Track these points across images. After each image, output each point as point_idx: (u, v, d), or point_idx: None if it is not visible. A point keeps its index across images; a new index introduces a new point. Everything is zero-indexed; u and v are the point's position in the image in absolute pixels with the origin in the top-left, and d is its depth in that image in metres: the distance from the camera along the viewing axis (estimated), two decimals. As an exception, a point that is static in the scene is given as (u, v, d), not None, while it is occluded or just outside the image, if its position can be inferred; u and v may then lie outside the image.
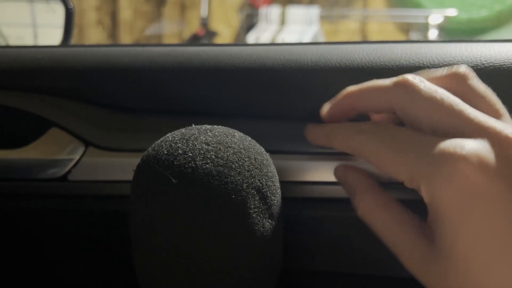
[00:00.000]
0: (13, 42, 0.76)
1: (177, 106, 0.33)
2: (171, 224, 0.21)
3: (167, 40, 2.79)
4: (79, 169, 0.32)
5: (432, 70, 0.25)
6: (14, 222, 0.34)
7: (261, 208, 0.23)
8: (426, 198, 0.22)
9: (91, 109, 0.34)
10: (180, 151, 0.22)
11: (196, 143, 0.23)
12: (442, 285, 0.21)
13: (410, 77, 0.24)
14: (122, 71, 0.33)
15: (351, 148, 0.25)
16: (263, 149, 0.25)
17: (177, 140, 0.23)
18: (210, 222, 0.21)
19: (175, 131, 0.25)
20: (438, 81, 0.24)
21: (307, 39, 2.28)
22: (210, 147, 0.23)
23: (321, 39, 2.40)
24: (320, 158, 0.31)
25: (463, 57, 0.30)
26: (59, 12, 0.70)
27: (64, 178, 0.33)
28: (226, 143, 0.23)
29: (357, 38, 2.60)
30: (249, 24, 2.53)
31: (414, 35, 2.52)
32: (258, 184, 0.23)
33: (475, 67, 0.29)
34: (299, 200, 0.31)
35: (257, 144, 0.25)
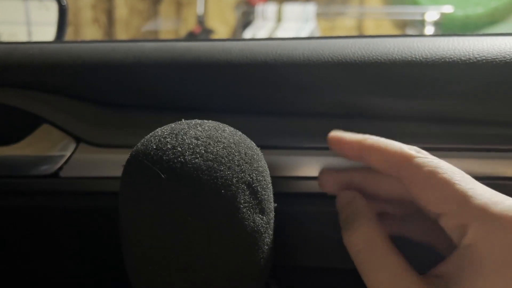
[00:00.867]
0: (5, 39, 0.76)
1: (169, 101, 0.32)
2: (160, 219, 0.21)
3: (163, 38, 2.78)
4: (70, 166, 0.32)
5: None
6: (5, 219, 0.34)
7: (252, 203, 0.23)
8: (467, 240, 0.22)
9: (82, 106, 0.33)
10: (169, 146, 0.22)
11: (185, 137, 0.22)
12: None
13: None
14: (114, 67, 0.33)
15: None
16: (254, 144, 0.25)
17: (166, 135, 0.23)
18: (199, 217, 0.21)
19: (164, 126, 0.24)
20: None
21: (303, 36, 2.27)
22: (199, 142, 0.22)
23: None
24: (311, 153, 0.30)
25: (455, 51, 0.30)
26: (53, 9, 0.69)
27: (55, 174, 0.32)
28: (216, 137, 0.23)
29: (354, 35, 2.59)
30: (245, 21, 2.53)
31: (410, 32, 2.51)
32: (249, 178, 0.23)
33: (467, 61, 0.29)
34: (290, 195, 0.31)
35: (248, 139, 0.25)
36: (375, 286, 0.23)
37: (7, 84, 0.34)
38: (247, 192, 0.23)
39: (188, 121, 0.24)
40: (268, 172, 0.25)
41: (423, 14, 2.30)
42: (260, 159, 0.25)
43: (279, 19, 2.46)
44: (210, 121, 0.25)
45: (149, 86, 0.32)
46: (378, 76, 0.30)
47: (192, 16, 2.72)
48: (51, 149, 0.32)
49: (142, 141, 0.24)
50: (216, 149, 0.22)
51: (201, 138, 0.23)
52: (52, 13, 0.69)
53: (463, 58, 0.29)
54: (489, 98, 0.29)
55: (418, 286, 0.23)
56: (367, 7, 2.61)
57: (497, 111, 0.29)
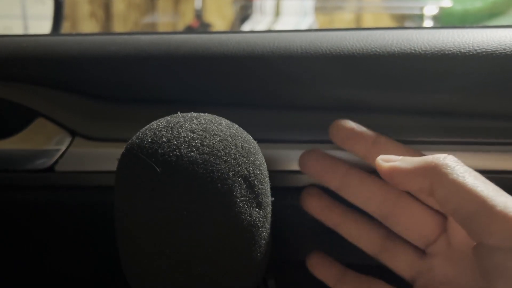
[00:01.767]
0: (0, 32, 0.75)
1: (165, 95, 0.32)
2: (155, 213, 0.21)
3: (161, 33, 2.75)
4: (66, 160, 0.32)
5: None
6: (0, 213, 0.33)
7: (248, 197, 0.22)
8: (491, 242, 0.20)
9: (77, 99, 0.33)
10: (164, 139, 0.22)
11: (181, 130, 0.22)
12: None
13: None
14: (109, 60, 0.33)
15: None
16: (251, 137, 0.25)
17: (161, 128, 0.23)
18: (195, 211, 0.21)
19: (160, 119, 0.24)
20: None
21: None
22: (195, 135, 0.22)
23: (316, 31, 2.38)
24: (308, 147, 0.30)
25: (455, 43, 0.29)
26: (49, 3, 0.69)
27: (51, 169, 0.32)
28: (212, 130, 0.23)
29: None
30: (243, 15, 2.52)
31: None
32: (245, 172, 0.22)
33: (467, 53, 0.29)
34: (288, 190, 0.31)
35: (245, 132, 0.25)
36: None
37: (0, 77, 0.34)
38: (244, 186, 0.22)
39: (184, 114, 0.24)
40: (265, 166, 0.25)
41: (421, 8, 2.30)
42: (257, 152, 0.24)
43: (277, 13, 2.45)
44: (206, 114, 0.24)
45: (145, 79, 0.32)
46: (377, 69, 0.29)
47: (190, 11, 2.71)
48: (46, 143, 0.32)
49: (137, 134, 0.23)
50: (212, 142, 0.22)
51: (197, 131, 0.22)
52: (48, 7, 0.68)
53: (462, 50, 0.29)
54: (489, 91, 0.29)
55: None
56: (366, 1, 2.60)
57: (497, 104, 0.29)
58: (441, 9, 2.30)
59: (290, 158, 0.30)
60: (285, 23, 2.37)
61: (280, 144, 0.30)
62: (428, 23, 2.28)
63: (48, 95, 0.33)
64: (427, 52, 0.29)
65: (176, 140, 0.22)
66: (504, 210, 0.20)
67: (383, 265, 0.29)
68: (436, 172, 0.22)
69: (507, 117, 0.29)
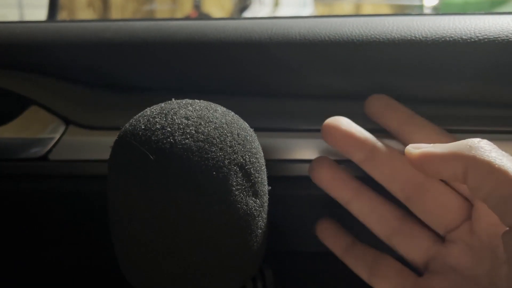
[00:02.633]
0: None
1: (161, 82, 0.31)
2: (148, 202, 0.20)
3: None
4: (60, 148, 0.31)
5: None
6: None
7: (244, 185, 0.22)
8: None
9: (71, 87, 0.32)
10: (158, 126, 0.21)
11: (175, 117, 0.22)
12: None
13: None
14: (104, 47, 0.32)
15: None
16: (247, 125, 0.24)
17: (155, 114, 0.22)
18: (189, 200, 0.20)
19: (154, 106, 0.23)
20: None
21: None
22: (190, 122, 0.21)
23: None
24: (307, 136, 0.30)
25: (456, 30, 0.29)
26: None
27: (45, 157, 0.32)
28: (207, 117, 0.22)
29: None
30: (242, 6, 2.50)
31: (408, 17, 2.49)
32: (241, 160, 0.22)
33: (468, 40, 0.28)
34: (285, 179, 0.30)
35: (241, 120, 0.24)
36: None
37: None
38: (240, 174, 0.22)
39: (179, 101, 0.23)
40: (262, 154, 0.24)
41: (422, -2, 2.28)
42: (253, 140, 0.24)
43: (276, 4, 2.43)
44: (201, 101, 0.24)
45: (140, 66, 0.31)
46: (377, 56, 0.29)
47: (188, 1, 2.69)
48: (40, 132, 0.32)
49: (130, 121, 0.23)
50: (208, 129, 0.21)
51: (192, 118, 0.22)
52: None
53: (464, 37, 0.28)
54: (491, 78, 0.28)
55: None
56: (366, -8, 2.59)
57: (499, 91, 0.28)
58: (441, 0, 2.29)
59: (288, 147, 0.30)
60: (284, 13, 2.35)
61: (278, 132, 0.30)
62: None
63: (41, 83, 0.32)
64: (427, 39, 0.29)
65: (170, 127, 0.21)
66: None
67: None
68: (470, 155, 0.22)
69: (508, 104, 0.29)
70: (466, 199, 0.27)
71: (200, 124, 0.21)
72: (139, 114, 0.23)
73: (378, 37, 0.29)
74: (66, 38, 0.33)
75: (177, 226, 0.21)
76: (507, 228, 0.21)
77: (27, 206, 0.33)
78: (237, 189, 0.22)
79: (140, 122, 0.22)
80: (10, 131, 0.32)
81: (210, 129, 0.21)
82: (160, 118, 0.22)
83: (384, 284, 0.27)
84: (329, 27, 0.30)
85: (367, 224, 0.28)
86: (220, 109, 0.23)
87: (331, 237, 0.29)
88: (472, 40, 0.28)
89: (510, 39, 0.28)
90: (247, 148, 0.23)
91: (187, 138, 0.21)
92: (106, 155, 0.29)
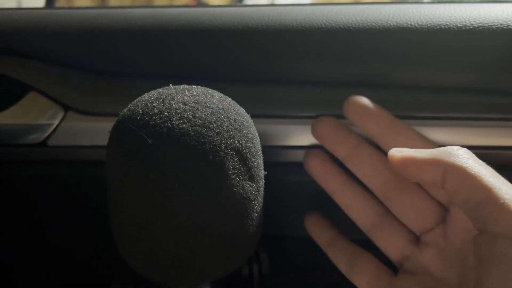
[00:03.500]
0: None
1: (158, 69, 0.32)
2: (146, 185, 0.21)
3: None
4: (58, 134, 0.32)
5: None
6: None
7: (241, 169, 0.22)
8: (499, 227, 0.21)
9: (70, 73, 0.33)
10: (156, 111, 0.22)
11: (172, 102, 0.22)
12: None
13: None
14: (102, 34, 0.32)
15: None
16: (244, 110, 0.25)
17: (153, 99, 0.22)
18: (186, 183, 0.21)
19: (151, 91, 0.24)
20: None
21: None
22: (187, 107, 0.22)
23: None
24: (303, 122, 0.30)
25: (452, 18, 0.29)
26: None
27: (43, 143, 0.32)
28: (205, 102, 0.22)
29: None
30: (241, -5, 2.48)
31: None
32: (238, 145, 0.22)
33: (463, 27, 0.28)
34: (281, 165, 0.30)
35: (237, 105, 0.24)
36: None
37: None
38: (236, 159, 0.22)
39: (176, 86, 0.24)
40: (258, 140, 0.25)
41: (421, -12, 2.27)
42: (250, 125, 0.24)
43: (275, -8, 2.42)
44: (198, 86, 0.24)
45: (138, 53, 0.32)
46: (373, 43, 0.29)
47: (187, -10, 2.66)
48: (39, 118, 0.32)
49: (128, 106, 0.23)
50: (205, 114, 0.22)
51: (189, 103, 0.22)
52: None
53: (459, 25, 0.29)
54: (486, 66, 0.29)
55: None
56: (365, -19, 2.57)
57: (493, 79, 0.29)
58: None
59: (284, 134, 0.30)
60: (283, 3, 2.34)
61: (274, 119, 0.30)
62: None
63: (40, 69, 0.33)
64: (423, 27, 0.29)
65: (167, 112, 0.21)
66: (511, 201, 0.20)
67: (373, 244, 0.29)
68: (449, 162, 0.23)
69: (503, 91, 0.29)
70: (441, 204, 0.28)
71: (197, 109, 0.22)
72: (137, 99, 0.23)
73: (374, 25, 0.29)
74: (64, 24, 0.33)
75: (174, 209, 0.21)
76: (478, 232, 0.22)
77: (26, 192, 0.34)
78: (234, 173, 0.22)
79: (138, 107, 0.22)
80: (9, 117, 0.32)
81: (207, 114, 0.22)
82: (158, 103, 0.22)
83: (361, 280, 0.28)
84: (326, 15, 0.30)
85: (349, 215, 0.29)
86: (217, 94, 0.24)
87: (317, 231, 0.31)
88: (467, 28, 0.28)
89: (504, 27, 0.28)
90: (244, 133, 0.23)
91: (185, 123, 0.21)
92: (104, 141, 0.29)
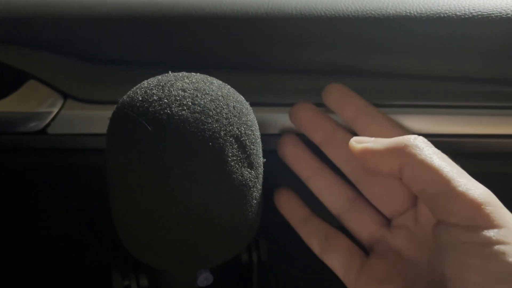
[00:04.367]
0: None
1: (158, 56, 0.32)
2: (146, 172, 0.21)
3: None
4: (58, 122, 0.32)
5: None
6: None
7: (240, 156, 0.22)
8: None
9: (69, 61, 0.32)
10: (155, 98, 0.22)
11: (172, 89, 0.22)
12: None
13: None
14: (101, 21, 0.32)
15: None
16: (243, 98, 0.25)
17: (152, 86, 0.22)
18: (186, 170, 0.21)
19: (151, 78, 0.24)
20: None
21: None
22: (186, 94, 0.22)
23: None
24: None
25: (451, 6, 0.29)
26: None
27: (43, 131, 0.32)
28: (204, 90, 0.22)
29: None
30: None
31: None
32: (237, 132, 0.22)
33: (462, 16, 0.28)
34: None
35: (237, 93, 0.24)
36: None
37: None
38: (235, 146, 0.22)
39: (175, 74, 0.24)
40: (257, 127, 0.25)
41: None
42: (249, 113, 0.24)
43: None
44: (198, 74, 0.24)
45: (137, 40, 0.31)
46: (372, 31, 0.29)
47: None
48: (38, 106, 0.32)
49: (128, 93, 0.23)
50: (204, 101, 0.22)
51: (188, 90, 0.22)
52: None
53: (458, 13, 0.28)
54: (485, 54, 0.29)
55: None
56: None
57: (493, 67, 0.29)
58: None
59: (283, 122, 0.30)
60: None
61: (273, 107, 0.30)
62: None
63: (39, 57, 0.32)
64: (422, 15, 0.29)
65: (167, 99, 0.21)
66: (466, 192, 0.21)
67: None
68: (405, 153, 0.23)
69: (503, 80, 0.29)
70: None
71: (197, 96, 0.22)
72: (137, 86, 0.23)
73: (373, 13, 0.29)
74: (64, 12, 0.33)
75: (173, 196, 0.21)
76: (436, 221, 0.23)
77: (26, 180, 0.34)
78: (233, 160, 0.22)
79: (137, 94, 0.22)
80: (8, 105, 0.32)
81: (207, 101, 0.22)
82: (157, 90, 0.22)
83: (333, 260, 0.28)
84: (325, 2, 0.30)
85: (322, 200, 0.30)
86: (216, 82, 0.24)
87: (288, 208, 0.31)
88: (466, 16, 0.28)
89: (504, 16, 0.28)
90: (243, 121, 0.23)
91: (184, 110, 0.21)
92: (104, 128, 0.29)
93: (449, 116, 0.30)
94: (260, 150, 0.25)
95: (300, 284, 0.38)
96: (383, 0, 0.30)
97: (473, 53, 0.29)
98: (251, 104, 0.25)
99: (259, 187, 0.25)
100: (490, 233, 0.20)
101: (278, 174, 0.30)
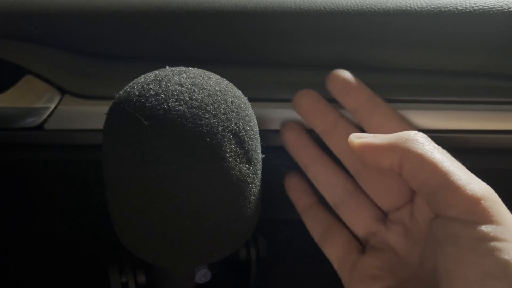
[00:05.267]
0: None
1: (156, 51, 0.31)
2: (142, 167, 0.21)
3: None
4: (55, 118, 0.31)
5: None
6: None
7: (238, 152, 0.22)
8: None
9: (67, 56, 0.32)
10: (152, 93, 0.21)
11: (169, 84, 0.22)
12: None
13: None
14: (98, 16, 0.32)
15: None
16: (241, 93, 0.24)
17: (149, 81, 0.22)
18: (183, 166, 0.21)
19: (148, 73, 0.23)
20: None
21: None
22: (184, 89, 0.22)
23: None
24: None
25: (451, 0, 0.29)
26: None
27: (40, 127, 0.32)
28: (201, 85, 0.22)
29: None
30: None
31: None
32: (235, 127, 0.22)
33: (464, 10, 0.28)
34: (279, 148, 0.30)
35: (235, 88, 0.24)
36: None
37: None
38: (233, 141, 0.22)
39: (173, 68, 0.23)
40: (256, 122, 0.25)
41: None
42: (247, 108, 0.24)
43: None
44: (195, 68, 0.24)
45: (135, 35, 0.31)
46: (372, 26, 0.29)
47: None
48: (35, 101, 0.31)
49: (125, 88, 0.23)
50: (201, 96, 0.22)
51: (186, 85, 0.22)
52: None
53: (459, 8, 0.28)
54: (486, 49, 0.28)
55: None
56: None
57: (494, 62, 0.29)
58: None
59: (282, 117, 0.30)
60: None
61: (272, 102, 0.30)
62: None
63: (36, 52, 0.32)
64: (423, 9, 0.28)
65: (164, 94, 0.21)
66: (465, 186, 0.21)
67: None
68: (405, 147, 0.23)
69: (504, 75, 0.29)
70: None
71: (194, 91, 0.22)
72: (133, 81, 0.23)
73: (373, 7, 0.29)
74: (61, 7, 0.32)
75: (171, 192, 0.21)
76: (434, 216, 0.23)
77: (23, 176, 0.34)
78: (231, 156, 0.22)
79: (134, 89, 0.22)
80: (5, 101, 0.32)
81: (204, 96, 0.22)
82: (154, 85, 0.22)
83: (330, 252, 0.28)
84: None
85: (319, 190, 0.30)
86: (214, 76, 0.24)
87: (296, 192, 0.31)
88: (467, 10, 0.28)
89: (505, 10, 0.28)
90: (241, 116, 0.23)
91: (181, 105, 0.21)
92: (101, 124, 0.29)
93: (449, 111, 0.30)
94: (259, 146, 0.25)
95: (298, 282, 0.38)
96: (383, -6, 0.30)
97: (474, 48, 0.29)
98: (250, 99, 0.25)
99: (258, 183, 0.24)
100: (488, 228, 0.20)
101: (277, 170, 0.30)
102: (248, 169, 0.23)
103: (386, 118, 0.28)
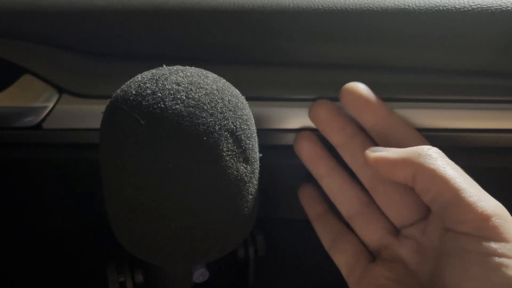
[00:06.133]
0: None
1: (154, 50, 0.31)
2: (139, 167, 0.21)
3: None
4: (53, 117, 0.31)
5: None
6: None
7: (235, 151, 0.22)
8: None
9: (65, 55, 0.32)
10: (149, 91, 0.21)
11: (166, 83, 0.22)
12: None
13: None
14: (97, 15, 0.32)
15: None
16: (238, 92, 0.24)
17: (146, 80, 0.22)
18: (180, 165, 0.21)
19: (145, 72, 0.23)
20: None
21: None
22: (180, 88, 0.21)
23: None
24: (299, 105, 0.30)
25: (450, -1, 0.29)
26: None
27: (38, 126, 0.32)
28: (198, 83, 0.22)
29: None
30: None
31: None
32: (232, 126, 0.22)
33: (462, 9, 0.28)
34: (277, 147, 0.30)
35: (232, 86, 0.24)
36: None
37: None
38: (230, 140, 0.22)
39: (170, 67, 0.23)
40: (253, 122, 0.25)
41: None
42: (244, 107, 0.24)
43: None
44: (192, 67, 0.24)
45: (133, 34, 0.31)
46: (370, 25, 0.29)
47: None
48: (33, 100, 0.31)
49: (122, 87, 0.23)
50: (198, 95, 0.21)
51: (183, 84, 0.22)
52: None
53: (457, 6, 0.28)
54: (484, 47, 0.28)
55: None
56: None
57: (493, 60, 0.29)
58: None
59: (279, 116, 0.30)
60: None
61: (269, 101, 0.30)
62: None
63: (34, 51, 0.32)
64: (421, 8, 0.28)
65: (160, 93, 0.21)
66: (476, 203, 0.22)
67: None
68: (418, 162, 0.24)
69: (502, 74, 0.29)
70: None
71: (191, 90, 0.22)
72: (130, 80, 0.23)
73: (372, 6, 0.29)
74: (59, 6, 0.32)
75: (168, 190, 0.21)
76: (446, 229, 0.23)
77: (21, 175, 0.34)
78: (228, 155, 0.22)
79: (131, 88, 0.22)
80: (3, 100, 0.32)
81: (201, 95, 0.22)
82: (151, 84, 0.22)
83: (340, 259, 0.29)
84: None
85: (333, 201, 0.30)
86: (211, 75, 0.24)
87: (308, 202, 0.31)
88: (466, 9, 0.28)
89: (504, 9, 0.28)
90: (238, 115, 0.23)
91: (178, 104, 0.21)
92: (99, 123, 0.29)
93: (448, 110, 0.30)
94: (256, 145, 0.25)
95: (296, 281, 0.38)
96: (381, -7, 0.29)
97: (473, 46, 0.29)
98: (247, 98, 0.25)
99: (255, 182, 0.24)
100: (496, 245, 0.21)
101: (275, 170, 0.30)
102: (246, 168, 0.23)
103: (404, 137, 0.28)
